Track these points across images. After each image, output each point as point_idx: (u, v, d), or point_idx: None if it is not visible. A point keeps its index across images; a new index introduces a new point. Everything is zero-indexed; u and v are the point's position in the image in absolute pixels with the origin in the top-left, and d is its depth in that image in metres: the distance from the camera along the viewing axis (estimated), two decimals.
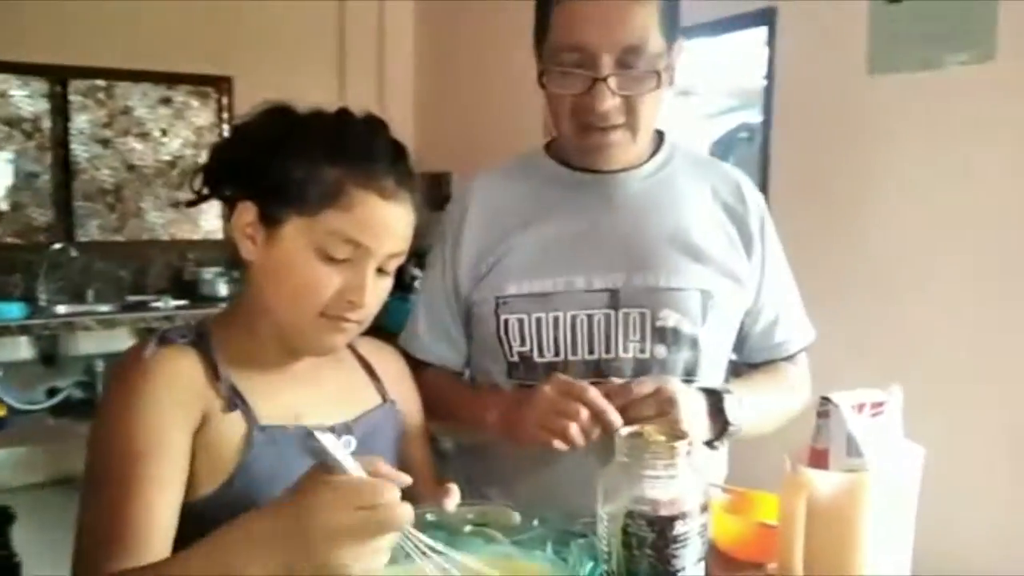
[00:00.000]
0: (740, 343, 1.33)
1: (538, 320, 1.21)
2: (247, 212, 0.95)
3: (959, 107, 2.21)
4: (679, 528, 0.79)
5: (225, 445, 0.93)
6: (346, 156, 0.94)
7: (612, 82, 1.11)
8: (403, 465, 1.13)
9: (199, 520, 0.86)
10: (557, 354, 1.21)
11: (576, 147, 1.23)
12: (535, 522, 0.84)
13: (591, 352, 1.20)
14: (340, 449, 0.72)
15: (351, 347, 1.13)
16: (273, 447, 0.93)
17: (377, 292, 0.97)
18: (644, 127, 1.19)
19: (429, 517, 0.81)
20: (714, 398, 1.14)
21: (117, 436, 0.88)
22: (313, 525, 0.69)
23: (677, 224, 1.24)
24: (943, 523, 1.43)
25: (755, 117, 2.84)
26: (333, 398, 1.05)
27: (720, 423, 1.13)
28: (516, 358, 1.23)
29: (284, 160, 0.93)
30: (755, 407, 1.18)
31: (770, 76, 2.74)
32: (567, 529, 0.81)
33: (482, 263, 1.25)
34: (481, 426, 1.20)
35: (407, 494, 1.14)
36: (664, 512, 0.80)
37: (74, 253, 4.11)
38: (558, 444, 1.04)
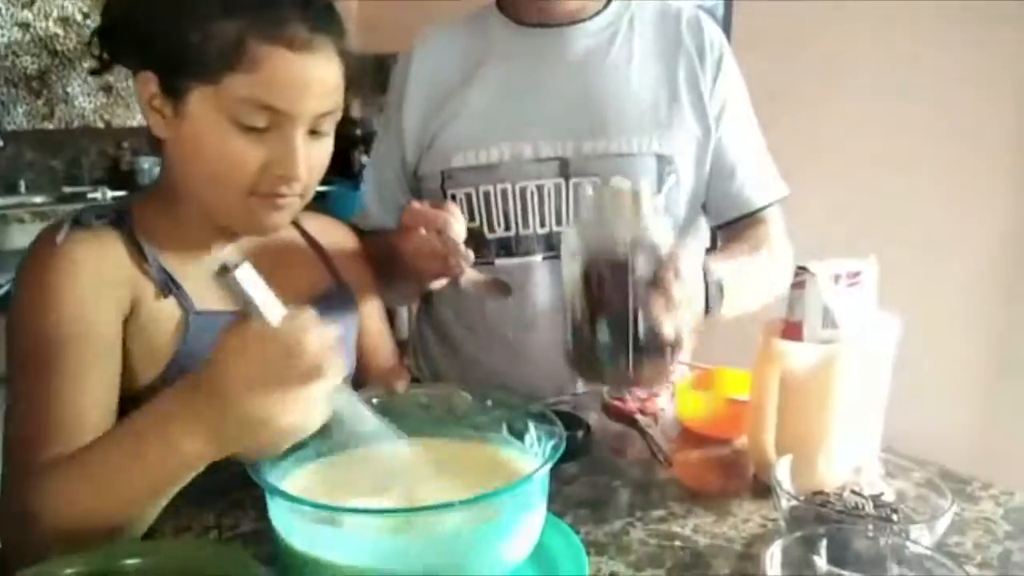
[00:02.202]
0: (707, 200, 1.23)
1: (486, 193, 1.13)
2: (148, 83, 0.82)
3: None
4: (641, 267, 0.76)
5: (159, 332, 0.84)
6: (243, 4, 0.79)
7: None
8: (361, 352, 1.06)
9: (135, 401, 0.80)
10: (508, 228, 1.14)
11: None
12: (488, 403, 0.77)
13: (543, 225, 1.14)
14: (258, 288, 0.62)
15: (297, 225, 1.03)
16: (210, 334, 0.84)
17: (314, 159, 0.85)
18: None
19: (375, 401, 0.74)
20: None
21: (36, 327, 0.78)
22: (228, 376, 0.61)
23: (631, 82, 1.15)
24: (916, 397, 1.42)
25: None
26: (278, 282, 0.96)
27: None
28: (465, 235, 1.15)
29: (174, 18, 0.79)
30: (736, 272, 1.06)
31: None
32: (524, 409, 0.75)
33: (426, 132, 1.16)
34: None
35: (360, 380, 1.09)
36: (622, 250, 0.77)
37: (1, 143, 3.87)
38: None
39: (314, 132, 0.85)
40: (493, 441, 0.76)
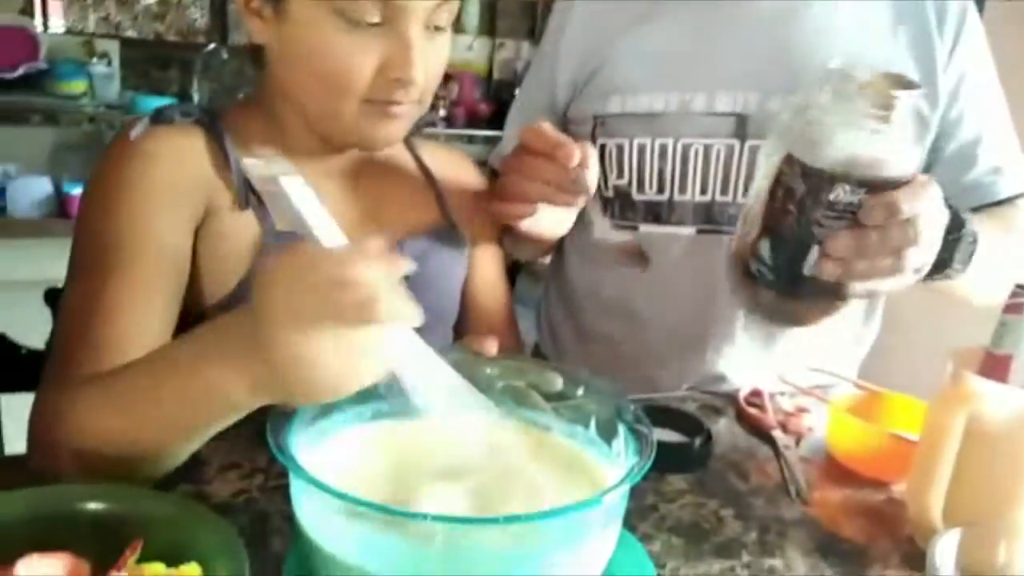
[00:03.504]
0: None
1: (640, 147, 0.97)
2: None
3: None
4: (840, 194, 0.64)
5: (233, 248, 0.77)
6: None
7: None
8: (468, 305, 0.95)
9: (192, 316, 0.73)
10: (660, 191, 0.97)
11: None
12: (580, 390, 0.64)
13: (703, 191, 0.96)
14: (312, 205, 0.52)
15: (414, 153, 0.94)
16: None
17: (431, 60, 0.75)
18: None
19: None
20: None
21: (99, 227, 0.73)
22: (269, 308, 0.50)
23: (843, 30, 0.94)
24: None
25: None
26: (377, 210, 0.86)
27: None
28: (611, 192, 1.00)
29: None
30: (993, 251, 0.85)
31: None
32: (618, 405, 0.61)
33: (582, 70, 1.01)
34: None
35: (464, 335, 0.98)
36: (828, 167, 0.65)
37: (226, 56, 4.09)
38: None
39: (429, 28, 0.74)
40: (577, 438, 0.63)
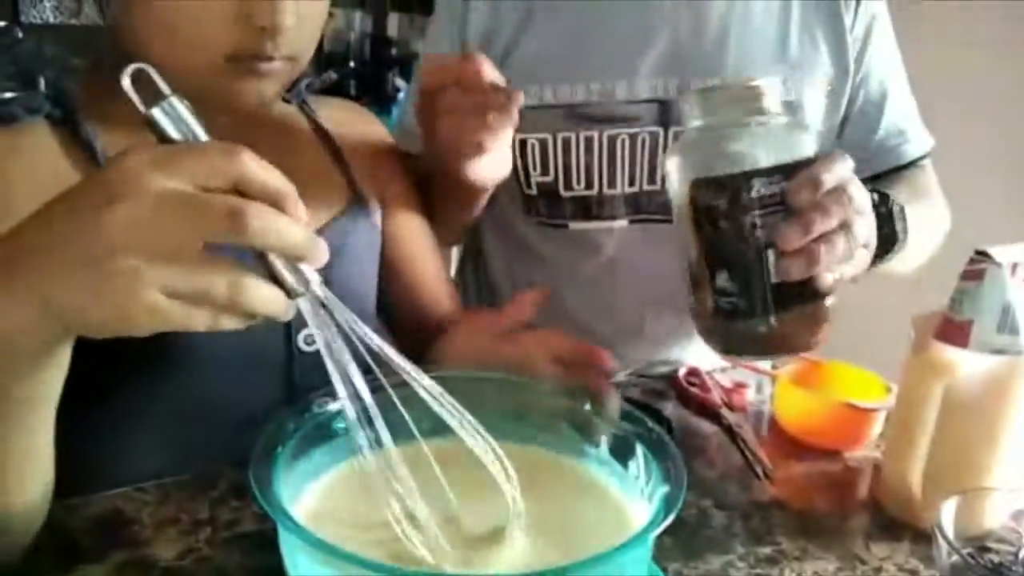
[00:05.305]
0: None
1: (565, 142, 0.93)
2: None
3: None
4: (760, 188, 0.60)
5: None
6: None
7: None
8: (412, 288, 0.88)
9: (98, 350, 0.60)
10: (589, 186, 0.94)
11: None
12: (587, 406, 0.56)
13: (631, 183, 0.94)
14: (193, 120, 0.44)
15: (306, 112, 0.84)
16: None
17: (306, 4, 0.65)
18: None
19: (427, 384, 0.55)
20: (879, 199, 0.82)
21: None
22: (89, 206, 0.41)
23: (756, 10, 0.93)
24: None
25: None
26: None
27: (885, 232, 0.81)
28: (535, 190, 0.96)
29: None
30: (911, 218, 0.85)
31: None
32: (635, 426, 0.54)
33: (492, 46, 0.94)
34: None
35: (411, 321, 0.89)
36: (737, 164, 0.61)
37: (20, 35, 3.68)
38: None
39: None
40: (589, 459, 0.58)
